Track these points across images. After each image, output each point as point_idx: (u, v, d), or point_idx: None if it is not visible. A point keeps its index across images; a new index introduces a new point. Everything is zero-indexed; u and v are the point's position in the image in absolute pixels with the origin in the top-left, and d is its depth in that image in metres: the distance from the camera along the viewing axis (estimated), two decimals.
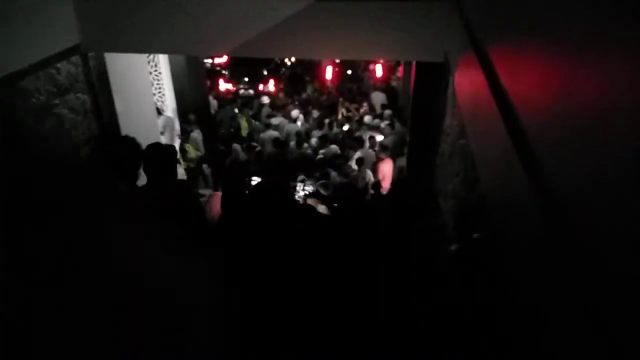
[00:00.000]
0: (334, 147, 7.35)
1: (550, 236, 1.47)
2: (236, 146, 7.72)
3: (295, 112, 9.22)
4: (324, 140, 7.63)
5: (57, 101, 3.70)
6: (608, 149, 1.15)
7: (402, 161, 5.97)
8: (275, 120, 8.75)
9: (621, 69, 1.12)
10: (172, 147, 3.20)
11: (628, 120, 1.07)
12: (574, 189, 1.36)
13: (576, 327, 1.30)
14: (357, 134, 8.13)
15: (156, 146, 3.02)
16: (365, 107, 10.28)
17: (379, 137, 7.55)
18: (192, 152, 7.49)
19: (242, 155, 7.51)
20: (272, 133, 8.00)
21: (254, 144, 7.80)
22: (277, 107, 10.29)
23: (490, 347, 1.88)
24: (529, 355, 1.66)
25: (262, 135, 8.10)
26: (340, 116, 9.70)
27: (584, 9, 1.39)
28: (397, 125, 7.82)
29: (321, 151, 7.35)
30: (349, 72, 11.61)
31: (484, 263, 2.18)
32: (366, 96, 10.89)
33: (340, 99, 10.49)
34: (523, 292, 1.71)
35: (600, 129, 1.20)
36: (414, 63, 4.65)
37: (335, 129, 8.54)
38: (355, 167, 6.57)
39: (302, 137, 7.60)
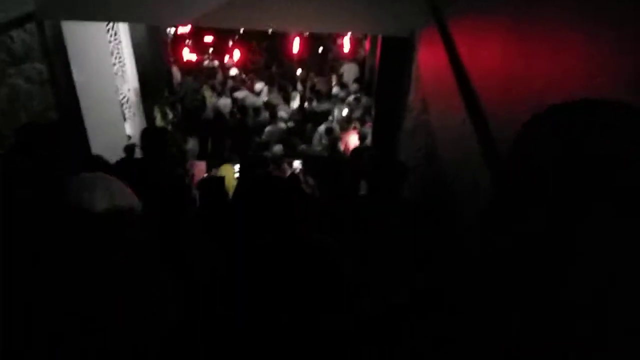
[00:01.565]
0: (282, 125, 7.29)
1: (500, 212, 1.55)
2: (224, 102, 7.79)
3: (259, 86, 9.09)
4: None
5: (12, 71, 3.55)
6: (562, 124, 1.22)
7: (366, 131, 6.08)
8: (240, 94, 8.63)
9: (574, 42, 1.18)
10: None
11: (582, 93, 1.13)
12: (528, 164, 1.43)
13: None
14: (325, 107, 8.15)
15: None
16: (333, 79, 10.23)
17: (345, 110, 7.60)
18: (160, 120, 7.46)
19: (226, 114, 7.56)
20: (227, 101, 8.04)
21: (234, 110, 7.79)
22: (240, 80, 10.13)
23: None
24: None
25: (219, 102, 8.11)
26: (305, 90, 9.62)
27: None
28: (364, 98, 7.86)
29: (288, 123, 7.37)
30: (319, 46, 11.52)
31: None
32: (333, 69, 10.85)
33: (311, 74, 10.41)
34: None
35: (554, 102, 1.26)
36: (379, 37, 4.66)
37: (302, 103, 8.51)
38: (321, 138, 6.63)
39: (261, 110, 7.63)
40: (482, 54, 2.01)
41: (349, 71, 9.94)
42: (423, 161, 3.15)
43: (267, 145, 6.72)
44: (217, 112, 7.65)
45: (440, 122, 2.69)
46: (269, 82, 9.73)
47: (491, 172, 1.65)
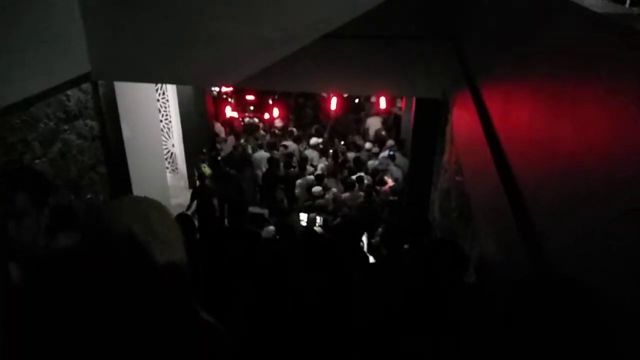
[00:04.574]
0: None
1: (537, 276, 1.52)
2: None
3: (314, 140, 9.48)
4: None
5: (65, 127, 3.81)
6: (588, 186, 1.21)
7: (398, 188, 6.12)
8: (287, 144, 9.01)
9: (595, 105, 1.19)
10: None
11: (605, 161, 1.14)
12: (560, 231, 1.42)
13: None
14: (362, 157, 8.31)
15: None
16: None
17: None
18: (207, 171, 7.74)
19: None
20: (264, 154, 8.28)
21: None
22: (279, 137, 10.40)
23: None
24: None
25: (254, 155, 8.38)
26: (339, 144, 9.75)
27: (569, 51, 1.47)
28: (399, 157, 7.92)
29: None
30: (353, 104, 11.79)
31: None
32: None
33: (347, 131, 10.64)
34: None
35: (579, 169, 1.26)
36: (414, 98, 4.76)
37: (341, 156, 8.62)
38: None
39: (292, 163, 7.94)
40: (512, 118, 2.03)
41: (371, 123, 10.23)
42: (457, 221, 3.12)
43: (296, 198, 6.98)
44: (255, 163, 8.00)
45: (474, 184, 2.69)
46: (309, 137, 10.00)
47: (521, 236, 1.63)
